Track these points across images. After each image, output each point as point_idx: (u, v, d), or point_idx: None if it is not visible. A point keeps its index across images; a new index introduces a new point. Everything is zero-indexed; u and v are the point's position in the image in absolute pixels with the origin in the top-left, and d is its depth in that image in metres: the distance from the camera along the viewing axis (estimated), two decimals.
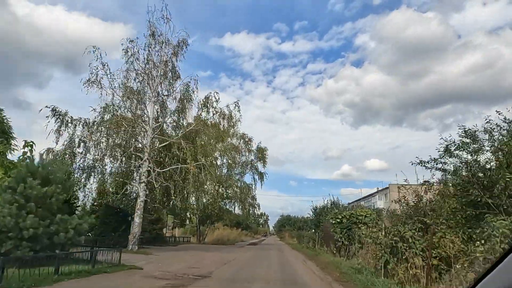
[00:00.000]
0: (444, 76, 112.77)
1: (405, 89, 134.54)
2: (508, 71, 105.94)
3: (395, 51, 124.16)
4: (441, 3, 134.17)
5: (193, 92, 22.10)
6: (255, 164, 38.62)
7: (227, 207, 38.43)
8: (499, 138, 8.90)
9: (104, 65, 19.64)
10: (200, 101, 21.35)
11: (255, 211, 39.49)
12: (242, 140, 38.10)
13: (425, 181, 10.47)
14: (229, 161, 36.80)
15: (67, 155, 19.70)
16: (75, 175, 19.67)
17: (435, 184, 10.26)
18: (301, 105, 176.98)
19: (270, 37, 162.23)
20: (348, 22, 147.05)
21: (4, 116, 16.42)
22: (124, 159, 21.12)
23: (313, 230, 29.25)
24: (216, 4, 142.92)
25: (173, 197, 19.27)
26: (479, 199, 8.20)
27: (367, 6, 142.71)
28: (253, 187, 38.56)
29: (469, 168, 8.94)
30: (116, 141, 20.94)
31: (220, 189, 37.21)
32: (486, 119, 9.09)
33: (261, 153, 38.48)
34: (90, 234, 22.94)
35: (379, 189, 59.77)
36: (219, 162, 37.62)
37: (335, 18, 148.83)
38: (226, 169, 37.58)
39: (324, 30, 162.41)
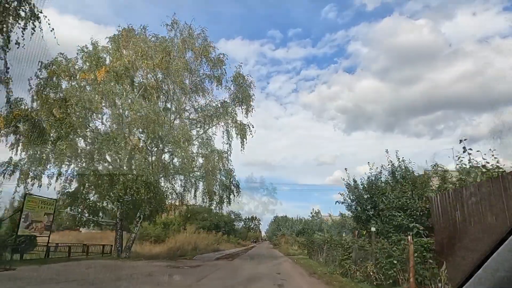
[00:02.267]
0: (435, 83, 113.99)
1: (397, 95, 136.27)
2: (498, 78, 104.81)
3: (387, 57, 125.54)
4: (432, 11, 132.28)
5: None
6: (230, 109, 20.36)
7: (179, 186, 20.22)
8: None
9: None
10: None
11: (231, 196, 20.92)
12: (203, 58, 19.83)
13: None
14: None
15: None
16: None
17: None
18: (294, 111, 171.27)
19: (264, 44, 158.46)
20: (341, 29, 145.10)
21: None
22: None
23: (366, 232, 11.46)
24: (211, 10, 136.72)
25: None
26: None
27: (360, 13, 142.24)
28: (228, 152, 20.26)
29: None
30: None
31: (163, 154, 19.21)
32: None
33: (240, 87, 20.27)
34: None
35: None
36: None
37: (328, 26, 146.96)
38: (174, 116, 19.51)
39: (318, 37, 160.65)
